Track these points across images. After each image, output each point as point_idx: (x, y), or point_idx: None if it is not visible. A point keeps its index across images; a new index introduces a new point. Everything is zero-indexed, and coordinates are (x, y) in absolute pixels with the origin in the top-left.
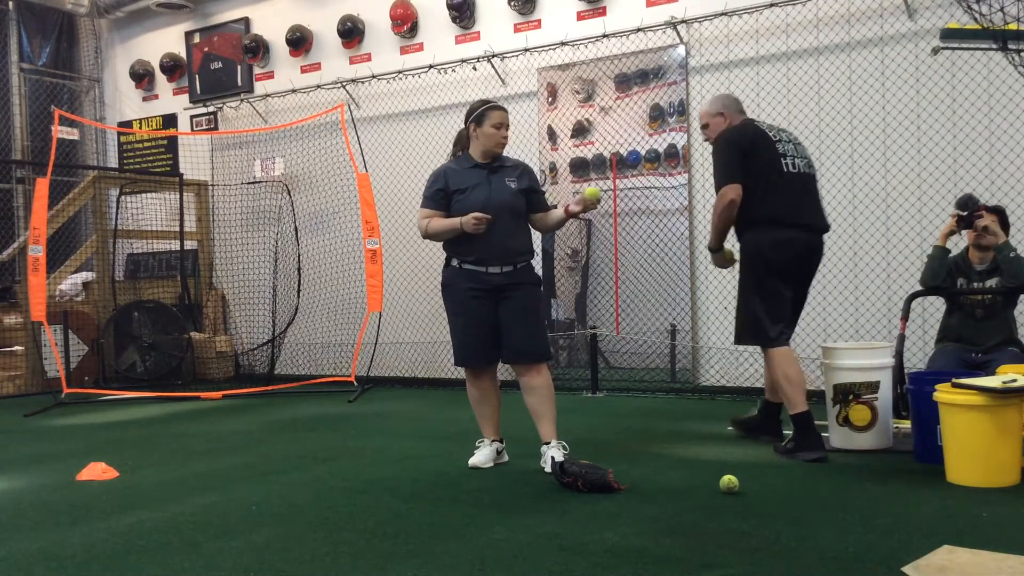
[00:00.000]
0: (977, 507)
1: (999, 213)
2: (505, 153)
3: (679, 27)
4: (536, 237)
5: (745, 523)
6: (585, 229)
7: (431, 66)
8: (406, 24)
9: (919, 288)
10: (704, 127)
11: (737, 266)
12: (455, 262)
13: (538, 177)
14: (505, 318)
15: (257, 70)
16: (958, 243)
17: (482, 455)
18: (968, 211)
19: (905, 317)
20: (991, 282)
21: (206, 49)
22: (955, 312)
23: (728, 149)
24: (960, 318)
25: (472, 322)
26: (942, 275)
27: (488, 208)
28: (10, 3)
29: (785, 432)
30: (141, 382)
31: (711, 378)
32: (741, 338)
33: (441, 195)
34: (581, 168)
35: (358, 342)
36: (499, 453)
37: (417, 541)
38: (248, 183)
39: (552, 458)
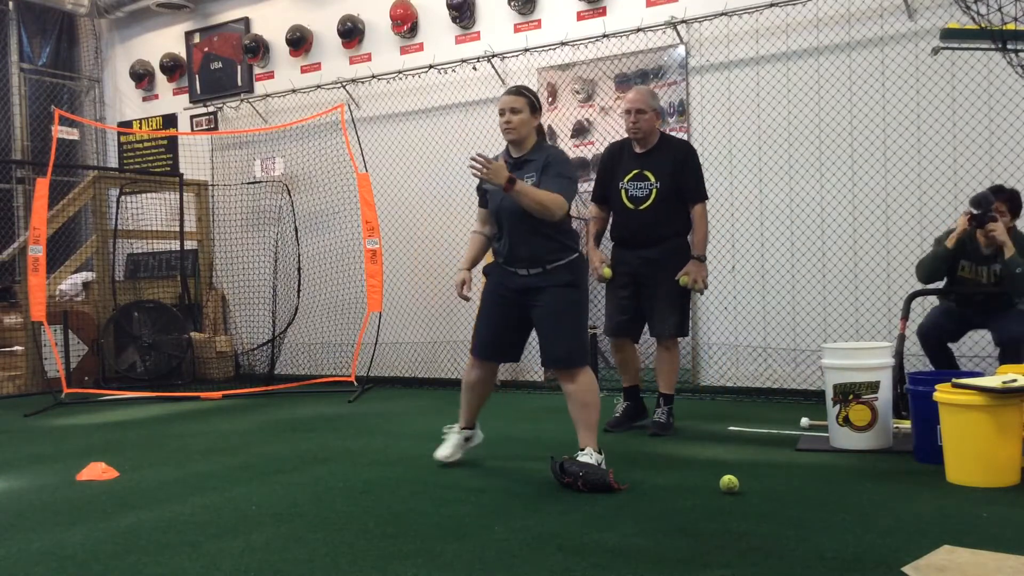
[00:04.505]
0: (977, 507)
1: (1013, 199)
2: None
3: (679, 27)
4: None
5: (745, 523)
6: (585, 229)
7: (431, 66)
8: (406, 24)
9: (919, 288)
10: (641, 112)
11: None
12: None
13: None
14: (535, 323)
15: (257, 70)
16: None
17: (447, 447)
18: (982, 210)
19: (905, 317)
20: (992, 267)
21: (206, 49)
22: (954, 287)
23: (699, 163)
24: (958, 296)
25: (489, 316)
26: (938, 278)
27: (498, 214)
28: (10, 3)
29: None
30: (141, 382)
31: (711, 378)
32: (686, 330)
33: (480, 191)
34: (581, 168)
35: (358, 342)
36: (467, 440)
37: (417, 541)
38: (248, 183)
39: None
